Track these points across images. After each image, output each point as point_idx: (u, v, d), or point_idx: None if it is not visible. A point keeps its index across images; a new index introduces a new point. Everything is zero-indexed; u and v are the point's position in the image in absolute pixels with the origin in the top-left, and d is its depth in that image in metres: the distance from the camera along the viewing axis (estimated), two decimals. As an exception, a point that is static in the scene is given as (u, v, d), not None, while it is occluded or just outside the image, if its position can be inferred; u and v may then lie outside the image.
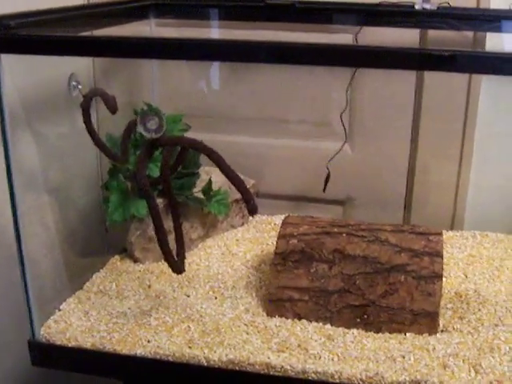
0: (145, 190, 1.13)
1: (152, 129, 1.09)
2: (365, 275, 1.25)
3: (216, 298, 1.37)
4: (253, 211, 1.04)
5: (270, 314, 1.29)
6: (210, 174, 1.59)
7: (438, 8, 1.45)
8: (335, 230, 1.31)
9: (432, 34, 1.57)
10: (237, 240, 1.62)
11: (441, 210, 1.71)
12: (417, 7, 1.46)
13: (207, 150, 1.06)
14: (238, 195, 1.58)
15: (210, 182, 1.52)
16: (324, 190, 1.67)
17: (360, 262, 1.26)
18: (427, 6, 1.45)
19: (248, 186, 1.60)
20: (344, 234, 1.30)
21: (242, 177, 1.62)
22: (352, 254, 1.27)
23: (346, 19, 1.51)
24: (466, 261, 1.50)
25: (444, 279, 1.37)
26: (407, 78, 1.64)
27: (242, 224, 1.69)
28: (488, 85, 1.61)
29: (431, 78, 1.62)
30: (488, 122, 1.63)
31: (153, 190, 1.22)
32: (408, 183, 1.72)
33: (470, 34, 1.58)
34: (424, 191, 1.71)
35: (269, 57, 1.04)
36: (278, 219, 1.70)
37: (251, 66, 1.69)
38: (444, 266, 1.39)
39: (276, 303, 1.29)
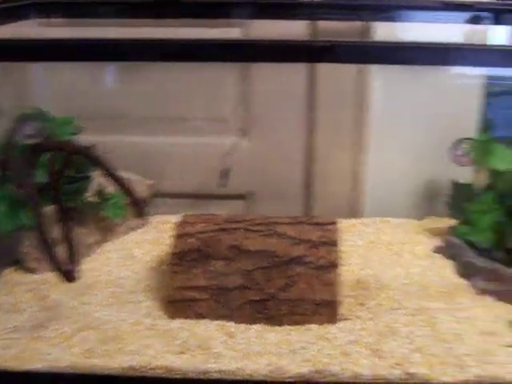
0: (30, 196, 1.08)
1: (31, 134, 1.05)
2: (263, 269, 1.24)
3: (116, 303, 1.32)
4: (140, 214, 1.01)
5: (172, 316, 1.27)
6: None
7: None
8: (232, 226, 1.30)
9: (322, 25, 1.58)
10: (137, 242, 1.59)
11: (341, 198, 1.73)
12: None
13: (90, 156, 1.02)
14: (137, 195, 1.56)
15: (101, 185, 1.48)
16: (223, 185, 1.66)
17: (258, 256, 1.25)
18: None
19: (145, 187, 1.59)
20: (241, 230, 1.29)
21: (139, 178, 1.60)
22: (249, 249, 1.26)
23: (234, 13, 1.50)
24: (367, 247, 1.51)
25: (345, 267, 1.38)
26: (299, 68, 1.64)
27: (142, 226, 1.65)
28: (379, 72, 1.63)
29: (323, 67, 1.62)
30: (382, 109, 1.65)
31: (43, 196, 1.18)
32: (307, 174, 1.72)
33: (358, 23, 1.59)
34: (324, 181, 1.72)
35: (152, 55, 1.01)
36: (179, 218, 1.67)
37: (145, 64, 1.66)
38: (345, 254, 1.41)
39: (176, 304, 1.27)
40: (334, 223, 1.30)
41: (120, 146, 1.69)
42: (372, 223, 1.63)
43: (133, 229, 1.64)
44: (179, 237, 1.29)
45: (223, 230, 1.29)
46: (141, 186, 1.62)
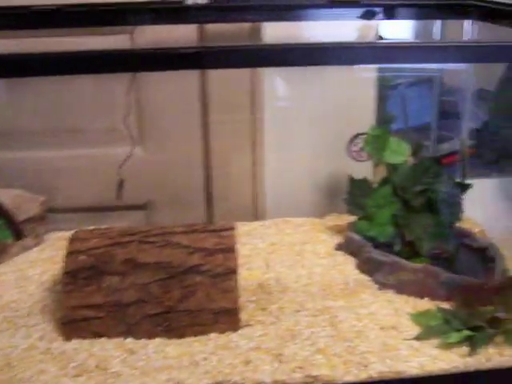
0: None
1: None
2: (160, 282, 1.20)
3: (8, 329, 1.26)
4: (18, 236, 0.96)
5: (67, 338, 1.21)
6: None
7: (211, 1, 1.43)
8: (126, 239, 1.26)
9: (211, 28, 1.55)
10: (31, 262, 1.52)
11: (242, 202, 1.71)
12: (188, 2, 1.43)
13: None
14: (27, 215, 1.50)
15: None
16: (118, 197, 1.61)
17: (153, 269, 1.21)
18: (198, 1, 1.42)
19: (37, 204, 1.53)
20: (135, 243, 1.25)
21: (30, 194, 1.54)
22: (144, 262, 1.22)
23: (118, 19, 1.45)
24: (268, 250, 1.49)
25: (246, 272, 1.35)
26: (190, 73, 1.61)
27: (37, 244, 1.59)
28: (272, 71, 1.61)
29: (214, 71, 1.60)
30: (278, 108, 1.64)
31: None
32: (206, 179, 1.69)
33: (246, 25, 1.57)
34: (223, 186, 1.70)
35: (32, 69, 0.96)
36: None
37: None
38: (246, 259, 1.38)
39: (71, 325, 1.22)
40: (230, 229, 1.28)
41: (10, 163, 1.62)
42: (273, 225, 1.61)
43: (27, 248, 1.56)
44: (70, 254, 1.24)
45: (117, 243, 1.25)
46: (32, 202, 1.56)
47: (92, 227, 1.45)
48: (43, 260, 1.53)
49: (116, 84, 1.61)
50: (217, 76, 1.60)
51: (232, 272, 1.21)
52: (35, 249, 1.58)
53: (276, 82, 1.62)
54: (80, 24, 1.48)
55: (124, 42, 1.57)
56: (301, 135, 1.68)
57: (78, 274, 1.22)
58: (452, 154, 1.92)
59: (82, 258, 1.23)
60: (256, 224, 1.63)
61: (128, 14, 1.43)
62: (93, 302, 1.21)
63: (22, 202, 1.53)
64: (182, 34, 1.57)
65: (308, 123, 1.67)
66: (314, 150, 1.69)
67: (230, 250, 1.23)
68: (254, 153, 1.67)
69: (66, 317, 1.22)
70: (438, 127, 2.03)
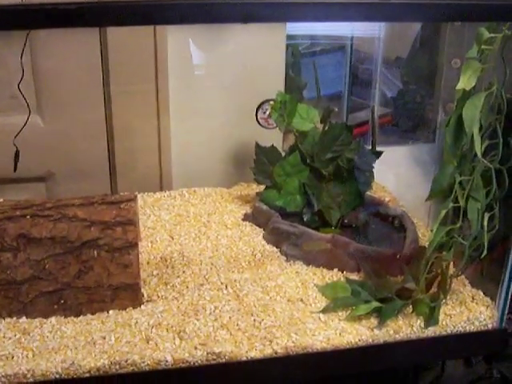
0: None
1: None
2: (55, 257, 1.14)
3: None
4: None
5: (-42, 319, 1.13)
6: None
7: None
8: (17, 213, 1.18)
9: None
10: None
11: (147, 172, 1.64)
12: None
13: None
14: None
15: None
16: (15, 169, 1.51)
17: (48, 244, 1.14)
18: None
19: None
20: (28, 217, 1.17)
21: None
22: (38, 237, 1.14)
23: None
24: (174, 221, 1.44)
25: (149, 245, 1.30)
26: (90, 36, 1.52)
27: None
28: (174, 37, 1.54)
29: (114, 34, 1.52)
30: (184, 73, 1.58)
31: None
32: (109, 149, 1.61)
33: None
34: (127, 156, 1.63)
35: None
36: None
37: None
38: (150, 231, 1.33)
39: (-39, 305, 1.13)
40: (130, 200, 1.21)
41: None
42: (179, 195, 1.56)
43: None
44: (-43, 231, 1.15)
45: (8, 218, 1.17)
46: None
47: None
48: None
49: (10, 47, 1.50)
50: (118, 40, 1.52)
51: (132, 246, 1.15)
52: None
53: (181, 46, 1.55)
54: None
55: None
56: (208, 102, 1.62)
57: (-33, 251, 1.14)
58: (367, 122, 1.90)
59: (-29, 234, 1.15)
60: (161, 194, 1.58)
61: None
62: (-17, 279, 1.13)
63: None
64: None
65: (216, 89, 1.62)
66: (222, 118, 1.64)
67: (129, 223, 1.17)
68: (158, 121, 1.60)
69: (-47, 295, 1.13)
70: (354, 95, 2.00)
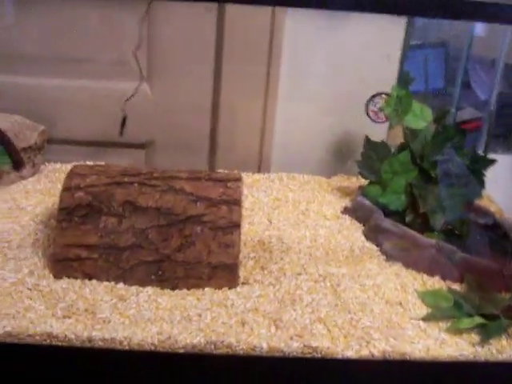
0: None
1: None
2: (158, 228, 1.14)
3: (-2, 260, 1.20)
4: (18, 165, 0.89)
5: (57, 276, 1.15)
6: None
7: None
8: (126, 179, 1.19)
9: None
10: (26, 192, 1.45)
11: (247, 151, 1.64)
12: None
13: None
14: (26, 143, 1.42)
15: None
16: (120, 133, 1.53)
17: (153, 214, 1.15)
18: None
19: (36, 133, 1.45)
20: (135, 184, 1.18)
21: (30, 122, 1.46)
22: (144, 206, 1.15)
23: None
24: (272, 205, 1.43)
25: (247, 226, 1.30)
26: (208, 11, 1.52)
27: (33, 174, 1.52)
28: (292, 21, 1.52)
29: (233, 10, 1.51)
30: (296, 58, 1.56)
31: None
32: (213, 124, 1.61)
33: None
34: (230, 133, 1.63)
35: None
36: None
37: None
38: (249, 212, 1.32)
39: (63, 263, 1.15)
40: (237, 180, 1.21)
41: (10, 87, 1.54)
42: (278, 179, 1.54)
43: (23, 177, 1.49)
44: (67, 190, 1.17)
45: (117, 183, 1.18)
46: (32, 131, 1.48)
47: (91, 163, 1.38)
48: (39, 191, 1.46)
49: (128, 13, 1.51)
50: (236, 16, 1.51)
51: (235, 226, 1.15)
52: (31, 179, 1.51)
53: (300, 28, 1.53)
54: None
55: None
56: (317, 89, 1.60)
57: (74, 212, 1.16)
58: (467, 122, 1.85)
59: (79, 194, 1.17)
60: (260, 176, 1.56)
61: None
62: (87, 241, 1.15)
63: (22, 129, 1.46)
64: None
65: (327, 77, 1.59)
66: (329, 106, 1.61)
67: (235, 203, 1.16)
68: (265, 103, 1.59)
69: (58, 254, 1.16)
70: (452, 95, 1.94)
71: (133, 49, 1.48)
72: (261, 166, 1.64)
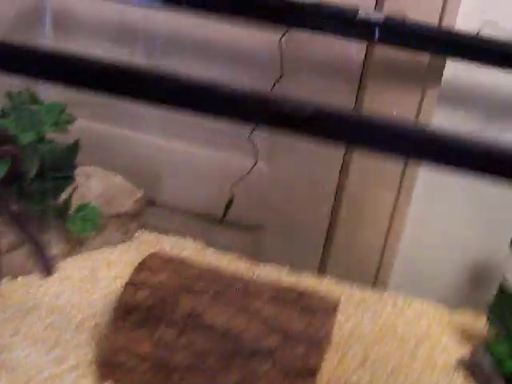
0: None
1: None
2: (220, 354, 0.95)
3: (47, 340, 1.07)
4: (45, 270, 0.74)
5: (102, 377, 1.00)
6: (90, 177, 1.29)
7: (387, 19, 1.12)
8: (200, 285, 1.02)
9: (378, 51, 1.26)
10: (109, 262, 1.32)
11: (366, 256, 1.42)
12: (361, 15, 1.14)
13: None
14: (120, 209, 1.29)
15: (73, 191, 1.21)
16: (224, 216, 1.37)
17: (218, 335, 0.97)
18: (373, 16, 1.13)
19: (133, 200, 1.31)
20: (208, 294, 1.00)
21: (128, 185, 1.33)
22: (209, 324, 0.98)
23: (267, 15, 1.18)
24: (374, 338, 1.21)
25: (336, 359, 1.08)
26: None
27: (123, 241, 1.38)
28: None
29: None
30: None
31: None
32: (332, 217, 1.41)
33: (424, 58, 1.26)
34: (349, 229, 1.41)
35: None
36: (169, 242, 1.41)
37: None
38: (342, 343, 1.11)
39: (108, 367, 1.00)
40: (330, 310, 1.00)
41: (119, 139, 1.42)
42: (392, 302, 1.32)
43: (110, 243, 1.36)
44: (131, 284, 1.02)
45: (187, 289, 1.01)
46: (128, 197, 1.35)
47: (189, 240, 1.23)
48: (123, 262, 1.33)
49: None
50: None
51: (311, 373, 0.94)
52: (119, 246, 1.38)
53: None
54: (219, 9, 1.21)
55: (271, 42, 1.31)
56: (463, 194, 1.34)
57: (133, 312, 1.00)
58: None
59: (143, 293, 1.01)
60: (370, 293, 1.34)
61: (276, 9, 1.16)
62: (139, 349, 0.99)
63: (117, 194, 1.33)
64: (339, 51, 1.29)
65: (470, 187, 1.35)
66: (472, 217, 1.35)
67: (317, 343, 0.96)
68: (396, 201, 1.36)
69: (106, 356, 1.00)
70: None
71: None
72: (377, 277, 1.41)
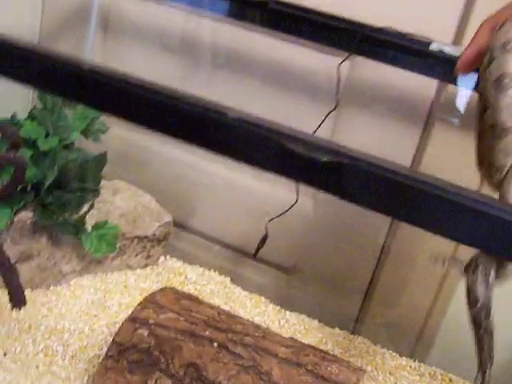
0: None
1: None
2: (217, 416, 0.83)
3: (40, 366, 0.96)
4: (14, 304, 0.63)
5: (85, 421, 0.88)
6: (116, 192, 1.19)
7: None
8: (207, 332, 0.89)
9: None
10: (125, 287, 1.21)
11: (407, 318, 1.28)
12: (433, 47, 1.01)
13: None
14: (144, 232, 1.19)
15: (91, 205, 1.11)
16: (254, 255, 1.24)
17: (217, 393, 0.83)
18: (446, 49, 1.00)
19: (159, 224, 1.21)
20: (215, 344, 0.88)
21: (157, 207, 1.23)
22: (211, 379, 0.85)
23: (330, 38, 1.07)
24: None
25: None
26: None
27: (145, 266, 1.27)
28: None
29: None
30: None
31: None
32: (376, 271, 1.27)
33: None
34: (392, 287, 1.28)
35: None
36: (194, 272, 1.30)
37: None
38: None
39: (93, 412, 0.88)
40: (355, 382, 0.86)
41: (159, 156, 1.33)
42: (430, 376, 1.17)
43: (130, 267, 1.25)
44: (131, 320, 0.90)
45: (193, 335, 0.89)
46: (154, 220, 1.24)
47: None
48: (139, 289, 1.22)
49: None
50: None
51: None
52: (139, 271, 1.27)
53: None
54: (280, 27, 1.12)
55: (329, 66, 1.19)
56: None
57: (127, 351, 0.89)
58: None
59: (142, 332, 0.89)
60: (407, 362, 1.19)
61: (340, 33, 1.04)
62: (128, 396, 0.86)
63: (143, 215, 1.22)
64: (406, 84, 1.16)
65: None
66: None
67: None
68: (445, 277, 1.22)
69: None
70: None
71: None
72: (417, 345, 1.26)
